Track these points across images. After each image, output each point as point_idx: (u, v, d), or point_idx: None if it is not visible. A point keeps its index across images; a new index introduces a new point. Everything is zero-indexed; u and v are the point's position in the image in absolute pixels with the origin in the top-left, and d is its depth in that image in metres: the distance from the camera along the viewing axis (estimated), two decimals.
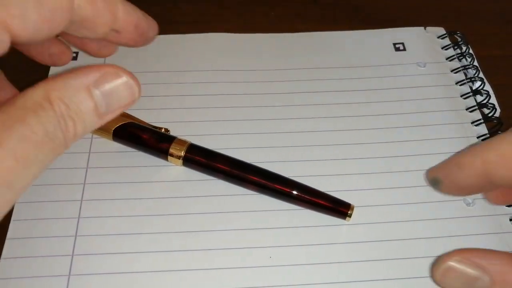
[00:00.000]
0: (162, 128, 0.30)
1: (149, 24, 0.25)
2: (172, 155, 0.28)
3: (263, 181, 0.28)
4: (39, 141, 0.18)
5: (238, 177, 0.28)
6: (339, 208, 0.27)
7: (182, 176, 0.29)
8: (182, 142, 0.29)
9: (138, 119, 0.30)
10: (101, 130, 0.29)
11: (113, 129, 0.29)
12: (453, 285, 0.22)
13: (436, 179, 0.24)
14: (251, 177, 0.28)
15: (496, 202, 0.25)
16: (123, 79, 0.21)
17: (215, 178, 0.29)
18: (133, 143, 0.29)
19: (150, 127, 0.30)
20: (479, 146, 0.22)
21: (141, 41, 0.25)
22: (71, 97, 0.20)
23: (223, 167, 0.28)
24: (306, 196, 0.27)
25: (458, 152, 0.24)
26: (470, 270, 0.21)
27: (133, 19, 0.23)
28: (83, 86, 0.20)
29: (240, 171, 0.28)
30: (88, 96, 0.20)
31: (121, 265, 0.26)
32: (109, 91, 0.21)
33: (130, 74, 0.22)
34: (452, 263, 0.22)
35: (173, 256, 0.26)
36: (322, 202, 0.27)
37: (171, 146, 0.28)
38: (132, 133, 0.29)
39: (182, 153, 0.28)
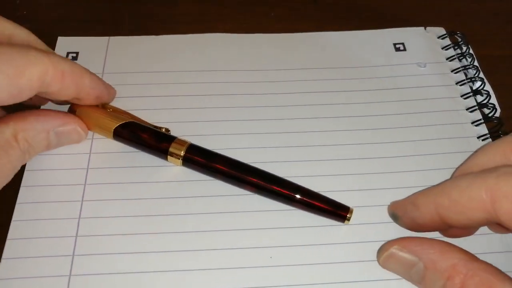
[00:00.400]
0: (162, 128, 0.30)
1: (109, 93, 0.30)
2: (172, 154, 0.28)
3: (262, 183, 0.27)
4: (8, 173, 0.25)
5: (236, 178, 0.28)
6: (338, 212, 0.27)
7: (182, 176, 0.29)
8: (182, 142, 0.29)
9: (139, 118, 0.30)
10: (102, 129, 0.29)
11: (114, 128, 0.29)
12: (394, 269, 0.25)
13: (395, 214, 0.27)
14: (250, 178, 0.28)
15: (451, 236, 0.26)
16: (74, 127, 0.28)
17: (214, 179, 0.29)
18: (133, 142, 0.29)
19: (151, 127, 0.30)
20: (434, 189, 0.24)
21: (97, 103, 0.29)
22: (33, 138, 0.26)
23: (222, 167, 0.28)
24: (305, 199, 0.27)
25: (416, 192, 0.26)
26: (407, 257, 0.23)
27: (96, 91, 0.28)
28: (45, 130, 0.27)
29: (238, 172, 0.28)
30: (46, 137, 0.27)
31: (121, 266, 0.26)
32: (61, 133, 0.28)
33: (81, 123, 0.29)
34: (393, 250, 0.24)
35: (173, 256, 0.26)
36: (321, 205, 0.27)
37: (171, 146, 0.28)
38: (133, 132, 0.29)
39: (182, 153, 0.28)
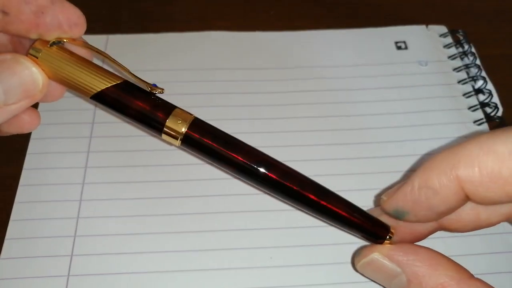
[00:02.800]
0: (156, 89, 0.23)
1: (72, 19, 0.22)
2: (168, 130, 0.22)
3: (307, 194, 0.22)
4: None
5: (268, 181, 0.22)
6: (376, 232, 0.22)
7: (182, 176, 0.29)
8: (184, 114, 0.22)
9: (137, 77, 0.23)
10: (75, 87, 0.22)
11: (96, 92, 0.22)
12: (373, 277, 0.22)
13: (400, 211, 0.21)
14: (287, 183, 0.22)
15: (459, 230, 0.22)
16: (24, 65, 0.21)
17: (213, 178, 0.28)
18: (116, 108, 0.22)
19: (143, 86, 0.23)
20: (451, 158, 0.18)
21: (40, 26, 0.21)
22: None
23: (243, 161, 0.22)
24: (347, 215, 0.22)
25: (419, 172, 0.20)
26: (389, 266, 0.20)
27: (33, 6, 0.21)
28: None
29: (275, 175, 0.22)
30: None
31: (120, 266, 0.25)
32: (4, 77, 0.20)
33: (32, 60, 0.21)
34: (374, 257, 0.21)
35: (172, 257, 0.26)
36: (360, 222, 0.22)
37: (169, 119, 0.21)
38: (118, 95, 0.22)
39: (183, 129, 0.22)
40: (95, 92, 0.22)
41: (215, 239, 0.26)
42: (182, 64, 0.34)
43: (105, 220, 0.27)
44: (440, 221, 0.21)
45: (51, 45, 0.22)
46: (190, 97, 0.32)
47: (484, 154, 0.17)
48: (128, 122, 0.26)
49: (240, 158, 0.22)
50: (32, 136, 0.30)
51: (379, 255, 0.21)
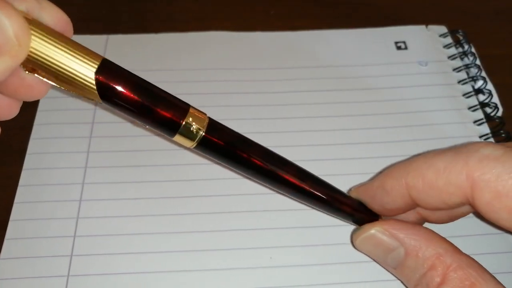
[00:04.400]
0: None
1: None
2: (184, 131, 0.20)
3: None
4: None
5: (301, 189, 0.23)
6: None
7: (182, 176, 0.29)
8: (198, 114, 0.20)
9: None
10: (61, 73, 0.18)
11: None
12: (370, 252, 0.24)
13: (361, 200, 0.25)
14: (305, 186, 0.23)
15: (430, 222, 0.25)
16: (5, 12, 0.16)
17: (214, 178, 0.28)
18: (121, 103, 0.19)
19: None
20: (404, 168, 0.22)
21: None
22: None
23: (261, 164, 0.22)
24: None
25: (382, 174, 0.23)
26: (388, 241, 0.22)
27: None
28: None
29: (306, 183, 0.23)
30: None
31: (120, 266, 0.25)
32: None
33: (3, 5, 0.16)
34: (373, 232, 0.23)
35: (172, 257, 0.26)
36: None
37: (187, 117, 0.20)
38: (124, 81, 0.19)
39: (201, 132, 0.20)
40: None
41: (215, 239, 0.26)
42: (182, 64, 0.34)
43: (105, 220, 0.27)
44: (421, 213, 0.24)
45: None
46: (190, 97, 0.32)
47: (426, 168, 0.21)
48: (133, 122, 0.25)
49: (258, 162, 0.22)
50: (32, 136, 0.30)
51: (380, 229, 0.23)
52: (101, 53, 0.34)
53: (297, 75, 0.34)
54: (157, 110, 0.19)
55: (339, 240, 0.27)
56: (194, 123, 0.20)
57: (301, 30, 0.36)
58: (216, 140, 0.21)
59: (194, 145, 0.21)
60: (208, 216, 0.27)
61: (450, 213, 0.24)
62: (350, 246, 0.26)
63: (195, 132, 0.20)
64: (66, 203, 0.27)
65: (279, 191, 0.25)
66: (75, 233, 0.26)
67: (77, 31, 0.35)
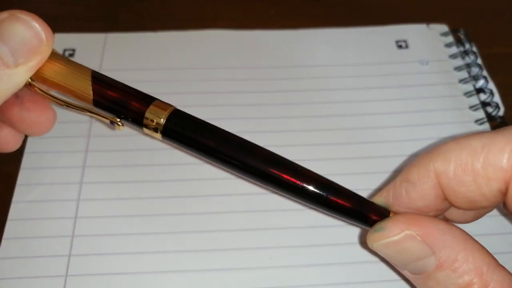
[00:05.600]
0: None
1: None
2: (148, 123, 0.21)
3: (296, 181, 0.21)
4: None
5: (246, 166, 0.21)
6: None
7: (181, 176, 0.28)
8: (164, 105, 0.21)
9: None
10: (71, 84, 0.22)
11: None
12: (391, 257, 0.19)
13: (384, 203, 0.21)
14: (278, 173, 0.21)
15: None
16: (23, 19, 0.19)
17: (214, 178, 0.28)
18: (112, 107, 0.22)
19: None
20: (432, 154, 0.19)
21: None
22: None
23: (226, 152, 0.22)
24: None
25: (404, 170, 0.20)
26: (418, 248, 0.18)
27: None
28: None
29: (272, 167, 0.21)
30: None
31: (118, 266, 0.25)
32: (8, 36, 0.19)
33: (31, 15, 0.20)
34: (401, 236, 0.18)
35: (171, 257, 0.26)
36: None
37: (148, 110, 0.21)
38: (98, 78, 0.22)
39: (162, 121, 0.21)
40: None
41: (215, 239, 0.26)
42: (181, 63, 0.34)
43: (103, 220, 0.27)
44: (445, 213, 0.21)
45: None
46: (189, 96, 0.32)
47: (459, 149, 0.18)
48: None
49: (226, 148, 0.21)
50: None
51: (410, 233, 0.18)
52: (100, 51, 0.34)
53: (297, 74, 0.33)
54: (136, 106, 0.21)
55: (339, 240, 0.26)
56: (154, 115, 0.21)
57: (302, 29, 0.36)
58: (177, 129, 0.21)
59: (160, 136, 0.21)
60: (208, 216, 0.27)
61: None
62: (351, 246, 0.26)
63: (155, 123, 0.21)
64: (64, 202, 0.27)
65: (268, 188, 0.23)
66: (73, 232, 0.26)
67: (76, 29, 0.35)
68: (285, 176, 0.21)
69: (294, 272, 0.25)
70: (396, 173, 0.28)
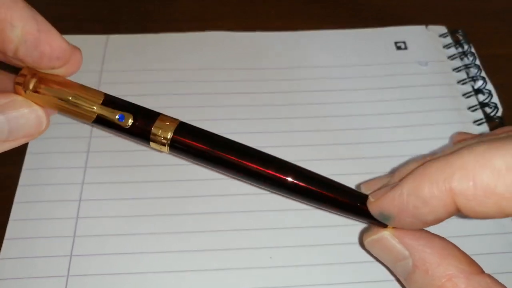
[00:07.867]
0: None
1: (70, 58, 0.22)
2: (156, 138, 0.22)
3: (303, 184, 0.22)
4: None
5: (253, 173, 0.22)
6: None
7: (181, 176, 0.29)
8: (169, 120, 0.22)
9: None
10: (78, 111, 0.22)
11: (97, 113, 0.22)
12: (379, 255, 0.22)
13: (385, 215, 0.20)
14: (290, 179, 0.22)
15: None
16: (32, 108, 0.21)
17: (213, 179, 0.28)
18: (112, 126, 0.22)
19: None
20: (445, 168, 0.17)
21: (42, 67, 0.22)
22: None
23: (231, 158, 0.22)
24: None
25: (410, 177, 0.18)
26: (398, 248, 0.20)
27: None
28: None
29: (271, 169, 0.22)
30: None
31: (119, 266, 0.25)
32: (14, 117, 0.21)
33: (39, 105, 0.21)
34: (383, 235, 0.20)
35: (172, 257, 0.26)
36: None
37: (154, 125, 0.22)
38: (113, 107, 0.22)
39: (169, 135, 0.22)
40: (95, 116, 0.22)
41: (215, 239, 0.26)
42: (182, 64, 0.34)
43: (104, 220, 0.27)
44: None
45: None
46: (190, 97, 0.32)
47: (480, 167, 0.16)
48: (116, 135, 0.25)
49: (233, 158, 0.22)
50: None
51: (389, 234, 0.20)
52: (101, 53, 0.34)
53: (297, 75, 0.34)
54: (142, 123, 0.22)
55: (339, 240, 0.26)
56: (161, 130, 0.22)
57: (302, 30, 0.36)
58: (186, 142, 0.22)
59: (168, 150, 0.22)
60: (209, 216, 0.27)
61: None
62: (351, 246, 0.26)
63: (162, 138, 0.22)
64: (66, 203, 0.27)
65: (274, 192, 0.24)
66: (74, 233, 0.26)
67: (77, 31, 0.35)
68: (305, 185, 0.22)
69: (294, 272, 0.25)
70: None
